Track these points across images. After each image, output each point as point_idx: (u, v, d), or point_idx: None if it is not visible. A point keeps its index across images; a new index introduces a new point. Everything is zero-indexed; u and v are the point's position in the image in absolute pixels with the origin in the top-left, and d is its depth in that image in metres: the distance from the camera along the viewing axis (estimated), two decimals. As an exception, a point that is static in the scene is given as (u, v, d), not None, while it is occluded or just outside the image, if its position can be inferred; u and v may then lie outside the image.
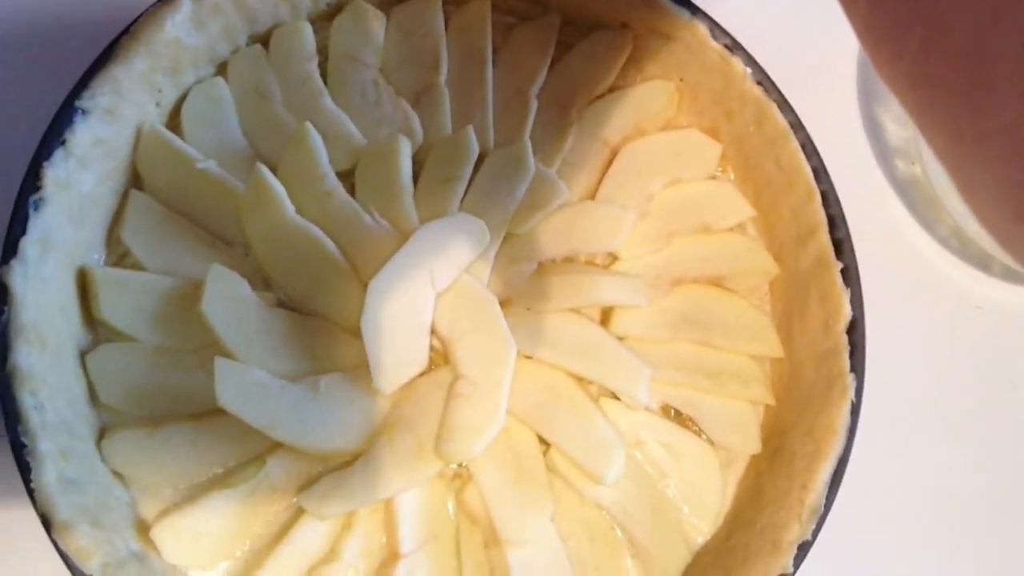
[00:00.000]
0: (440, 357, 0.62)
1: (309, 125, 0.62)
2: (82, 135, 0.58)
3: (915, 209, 0.73)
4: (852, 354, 0.60)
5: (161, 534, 0.56)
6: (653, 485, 0.62)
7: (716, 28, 0.65)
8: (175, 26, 0.60)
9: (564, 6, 0.68)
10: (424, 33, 0.67)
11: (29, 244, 0.55)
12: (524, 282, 0.64)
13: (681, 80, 0.68)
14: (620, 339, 0.63)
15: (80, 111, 0.58)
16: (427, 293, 0.61)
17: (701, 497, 0.62)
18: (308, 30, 0.65)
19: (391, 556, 0.58)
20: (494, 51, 0.68)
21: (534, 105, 0.67)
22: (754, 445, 0.63)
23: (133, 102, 0.60)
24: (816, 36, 0.75)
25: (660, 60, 0.68)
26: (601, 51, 0.68)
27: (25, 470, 0.52)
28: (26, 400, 0.53)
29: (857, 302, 0.61)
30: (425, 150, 0.65)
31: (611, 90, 0.69)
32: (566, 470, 0.60)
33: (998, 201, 0.30)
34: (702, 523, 0.62)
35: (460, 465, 0.61)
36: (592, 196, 0.67)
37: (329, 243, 0.61)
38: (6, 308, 0.54)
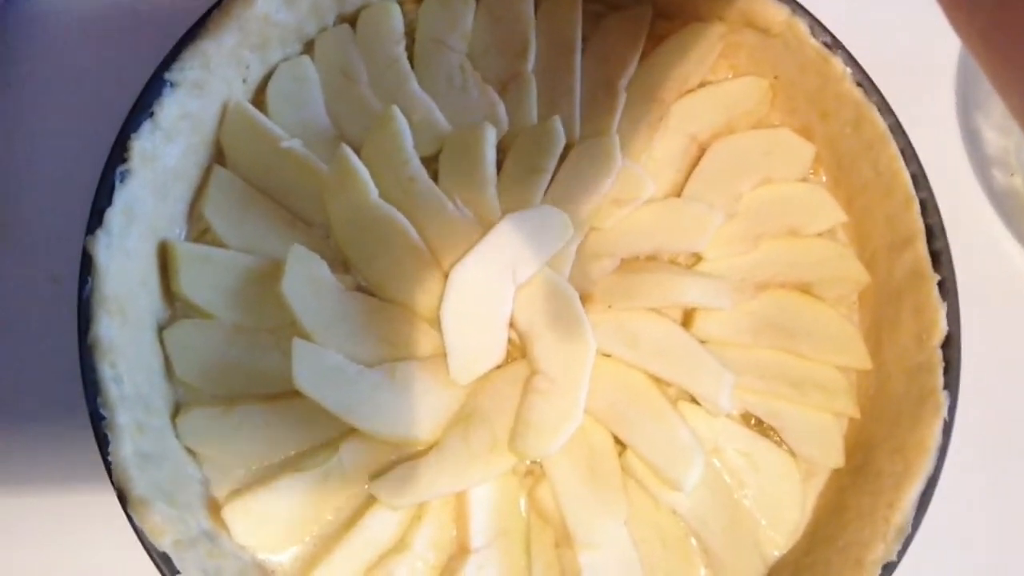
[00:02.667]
0: (517, 350, 0.61)
1: (395, 108, 0.61)
2: (170, 108, 0.57)
3: (1011, 222, 0.70)
4: (946, 371, 0.58)
5: (232, 514, 0.55)
6: (731, 494, 0.60)
7: (816, 25, 0.63)
8: (266, 2, 0.59)
9: (657, -3, 0.66)
10: (513, 19, 0.65)
11: (114, 216, 0.54)
12: (606, 278, 0.62)
13: (775, 77, 0.66)
14: (702, 342, 0.61)
15: (169, 84, 0.57)
16: (507, 285, 0.60)
17: (780, 509, 0.60)
18: (397, 12, 0.64)
19: (460, 550, 0.57)
20: (583, 40, 0.66)
21: (623, 97, 0.65)
22: (837, 459, 0.61)
23: (221, 77, 0.59)
24: (916, 38, 0.72)
25: (755, 56, 0.66)
26: (694, 44, 0.66)
27: (103, 443, 0.51)
28: (106, 372, 0.52)
29: (954, 317, 0.59)
30: (510, 139, 0.64)
31: (702, 85, 0.67)
32: (642, 474, 0.59)
33: None
34: (779, 536, 0.60)
35: (534, 462, 0.59)
36: (678, 193, 0.65)
37: (411, 229, 0.59)
38: (90, 279, 0.53)
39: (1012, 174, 0.71)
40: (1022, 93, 0.31)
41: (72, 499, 0.60)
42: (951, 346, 0.58)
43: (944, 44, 0.73)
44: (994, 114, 0.72)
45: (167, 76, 0.57)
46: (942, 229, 0.60)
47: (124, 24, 0.67)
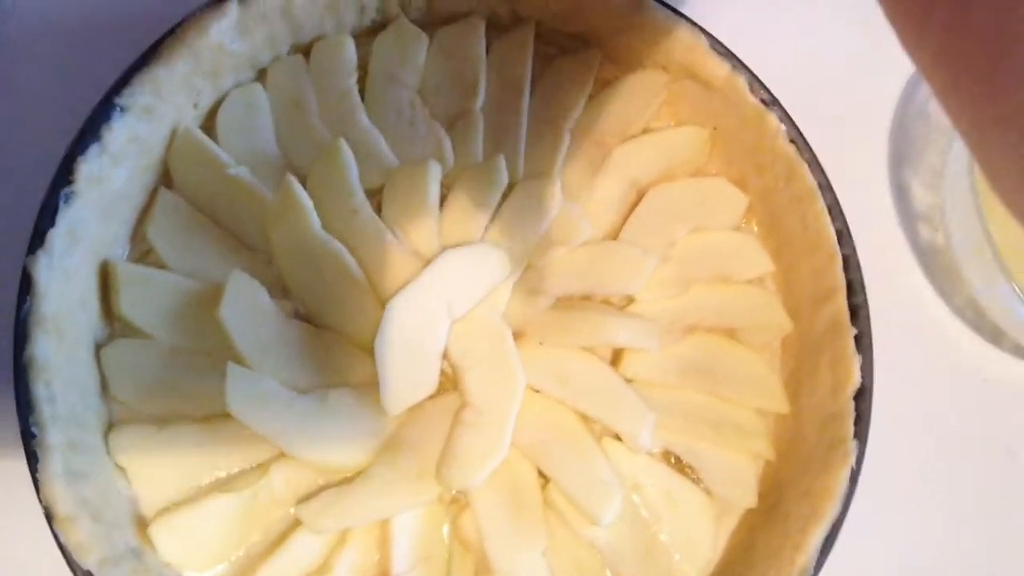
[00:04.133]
0: (449, 382, 0.63)
1: (343, 141, 0.62)
2: (119, 132, 0.58)
3: (934, 277, 0.73)
4: (857, 421, 0.61)
5: (158, 532, 0.56)
6: (647, 529, 0.62)
7: (755, 81, 0.65)
8: (220, 32, 0.60)
9: (606, 43, 0.68)
10: (464, 57, 0.67)
11: (57, 237, 0.55)
12: (540, 316, 0.64)
13: (715, 128, 0.69)
14: (628, 381, 0.63)
15: (119, 108, 0.58)
16: (443, 319, 0.61)
17: (694, 545, 0.62)
18: (350, 45, 0.66)
19: (382, 575, 0.59)
20: (532, 81, 0.68)
21: (567, 139, 0.67)
22: (751, 499, 0.64)
23: (171, 103, 0.60)
24: (852, 96, 0.75)
25: (696, 106, 0.69)
26: (638, 91, 0.68)
27: (33, 460, 0.52)
28: (40, 391, 0.53)
29: (867, 370, 0.61)
30: (455, 175, 0.65)
31: (645, 131, 0.69)
32: (563, 507, 0.61)
33: (1019, 184, 0.30)
34: (692, 571, 0.62)
35: (459, 491, 0.61)
36: (615, 236, 0.67)
37: (351, 260, 0.61)
38: (28, 298, 0.54)
39: (937, 230, 0.74)
40: (970, 115, 0.32)
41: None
42: (863, 398, 0.61)
43: (879, 100, 0.76)
44: (923, 170, 0.75)
45: (117, 100, 0.58)
46: (862, 285, 0.63)
47: (73, 46, 0.68)
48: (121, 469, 0.58)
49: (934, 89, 0.33)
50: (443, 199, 0.65)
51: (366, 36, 0.67)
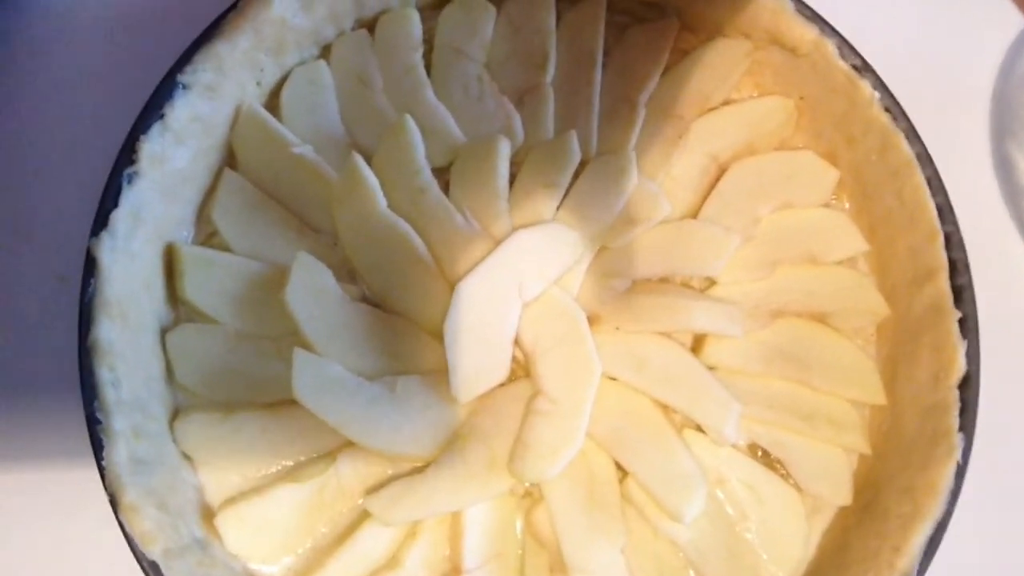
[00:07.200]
0: (521, 369, 0.60)
1: (408, 118, 0.60)
2: (181, 110, 0.57)
3: (1042, 256, 0.68)
4: (962, 412, 0.56)
5: (225, 522, 0.55)
6: (732, 527, 0.58)
7: (845, 46, 0.61)
8: (282, 5, 0.59)
9: (683, 11, 0.65)
10: (534, 30, 0.64)
11: (120, 218, 0.54)
12: (615, 299, 0.61)
13: (801, 98, 0.65)
14: (711, 369, 0.60)
15: (181, 86, 0.57)
16: (514, 302, 0.59)
17: (782, 545, 0.59)
18: (416, 18, 0.63)
19: (453, 570, 0.56)
20: (605, 53, 0.65)
21: (642, 113, 0.63)
22: (845, 496, 0.59)
23: (234, 80, 0.59)
24: (950, 64, 0.70)
25: (781, 75, 0.65)
26: (718, 61, 0.65)
27: (97, 447, 0.51)
28: (104, 375, 0.52)
29: (973, 356, 0.57)
30: (524, 152, 0.63)
31: (725, 103, 0.65)
32: (642, 502, 0.57)
33: None
34: (781, 572, 0.58)
35: (532, 484, 0.58)
36: (695, 214, 0.63)
37: (418, 241, 0.59)
38: (92, 281, 0.53)
39: (1045, 206, 0.69)
40: None
41: (67, 499, 0.60)
42: (969, 386, 0.56)
43: (979, 69, 0.71)
44: (1030, 143, 0.69)
45: (179, 78, 0.57)
46: (966, 265, 0.58)
47: (139, 24, 0.67)
48: (187, 457, 0.56)
49: None
50: (513, 177, 0.62)
51: (432, 9, 0.65)
